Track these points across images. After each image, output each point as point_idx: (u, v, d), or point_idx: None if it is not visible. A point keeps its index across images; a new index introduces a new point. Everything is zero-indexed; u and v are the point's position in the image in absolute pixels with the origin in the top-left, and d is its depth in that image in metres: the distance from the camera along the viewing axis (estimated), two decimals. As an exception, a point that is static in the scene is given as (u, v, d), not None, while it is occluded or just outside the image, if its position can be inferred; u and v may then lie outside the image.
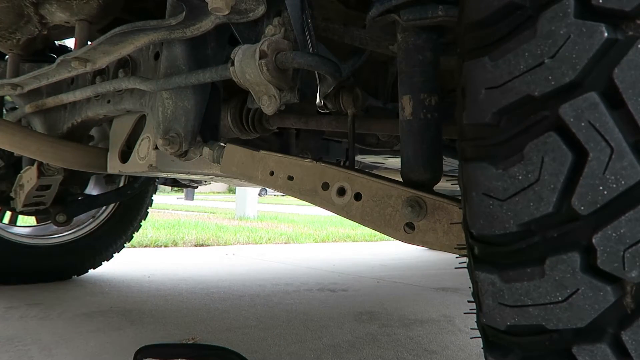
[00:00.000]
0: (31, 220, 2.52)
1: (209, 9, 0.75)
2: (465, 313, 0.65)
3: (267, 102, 0.75)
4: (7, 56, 1.42)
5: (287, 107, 0.85)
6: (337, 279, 3.12)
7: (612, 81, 0.38)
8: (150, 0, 1.27)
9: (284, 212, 10.66)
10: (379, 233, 0.78)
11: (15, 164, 1.84)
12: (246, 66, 0.73)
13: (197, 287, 2.61)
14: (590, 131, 0.39)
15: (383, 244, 5.56)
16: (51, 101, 1.36)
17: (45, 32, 1.27)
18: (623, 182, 0.38)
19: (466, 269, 0.55)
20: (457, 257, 0.66)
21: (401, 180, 0.76)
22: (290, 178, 0.87)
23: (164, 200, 15.98)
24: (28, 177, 1.63)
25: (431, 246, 0.71)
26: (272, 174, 0.90)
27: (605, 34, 0.38)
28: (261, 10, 0.78)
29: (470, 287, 0.52)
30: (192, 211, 10.09)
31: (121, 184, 2.36)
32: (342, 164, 1.16)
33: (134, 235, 2.69)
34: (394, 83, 1.14)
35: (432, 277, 3.26)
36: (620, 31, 0.38)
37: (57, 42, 1.70)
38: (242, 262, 3.79)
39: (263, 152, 0.91)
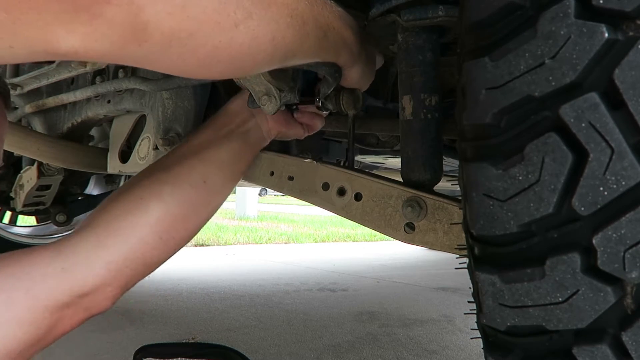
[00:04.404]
0: (31, 220, 2.52)
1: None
2: (465, 313, 0.65)
3: (267, 102, 0.75)
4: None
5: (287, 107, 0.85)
6: (337, 279, 3.11)
7: (612, 82, 0.38)
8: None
9: (284, 212, 10.66)
10: (379, 233, 0.78)
11: (15, 164, 1.84)
12: (246, 66, 0.73)
13: (197, 287, 2.61)
14: (590, 132, 0.39)
15: (383, 244, 5.56)
16: (51, 101, 1.36)
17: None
18: (623, 183, 0.38)
19: (466, 269, 0.55)
20: (457, 257, 0.66)
21: (401, 180, 0.76)
22: (291, 178, 0.87)
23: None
24: (28, 177, 1.63)
25: (431, 246, 0.71)
26: (272, 174, 0.90)
27: (606, 35, 0.38)
28: (261, 10, 0.77)
29: (470, 287, 0.52)
30: (192, 211, 10.06)
31: (121, 184, 2.36)
32: (342, 164, 1.16)
33: (134, 235, 2.68)
34: (394, 83, 1.14)
35: (432, 277, 3.26)
36: (620, 32, 0.38)
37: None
38: (242, 262, 3.79)
39: (263, 152, 0.91)
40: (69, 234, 0.68)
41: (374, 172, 0.94)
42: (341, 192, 0.80)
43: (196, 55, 0.44)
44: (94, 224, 0.67)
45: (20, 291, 0.57)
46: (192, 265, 3.34)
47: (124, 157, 1.29)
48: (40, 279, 0.58)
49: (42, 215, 2.33)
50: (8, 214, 2.44)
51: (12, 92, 1.38)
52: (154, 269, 0.71)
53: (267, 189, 2.42)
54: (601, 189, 0.39)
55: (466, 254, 0.54)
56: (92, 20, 0.35)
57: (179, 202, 0.71)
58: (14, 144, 1.32)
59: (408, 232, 0.73)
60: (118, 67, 1.20)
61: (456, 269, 0.69)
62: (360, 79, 0.76)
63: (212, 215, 0.80)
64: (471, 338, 1.41)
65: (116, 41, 0.38)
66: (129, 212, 0.68)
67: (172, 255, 0.73)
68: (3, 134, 0.72)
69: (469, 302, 0.54)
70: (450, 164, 1.22)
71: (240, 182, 0.89)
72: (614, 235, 0.39)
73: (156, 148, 1.12)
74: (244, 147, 0.84)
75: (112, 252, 0.64)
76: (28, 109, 1.45)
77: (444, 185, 1.04)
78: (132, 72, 1.14)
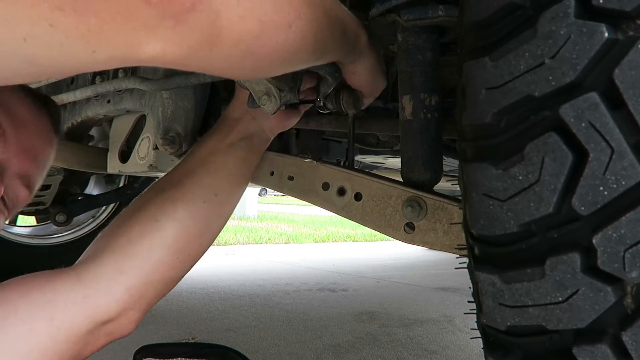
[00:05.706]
0: (31, 220, 2.52)
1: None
2: (465, 313, 0.65)
3: (267, 102, 0.75)
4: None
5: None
6: (337, 279, 3.11)
7: (612, 81, 0.38)
8: None
9: (284, 212, 10.66)
10: (379, 233, 0.78)
11: (15, 164, 1.84)
12: (246, 66, 0.73)
13: (197, 287, 2.61)
14: (590, 131, 0.39)
15: (383, 244, 5.56)
16: (51, 101, 1.36)
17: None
18: (623, 183, 0.38)
19: (466, 269, 0.55)
20: (457, 257, 0.66)
21: (401, 180, 0.76)
22: (290, 178, 0.87)
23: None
24: (28, 177, 1.63)
25: (431, 246, 0.71)
26: (272, 174, 0.90)
27: (606, 34, 0.38)
28: (261, 10, 0.77)
29: (470, 287, 0.52)
30: (192, 211, 10.06)
31: (121, 184, 2.36)
32: (342, 164, 1.16)
33: (134, 235, 2.68)
34: (394, 83, 1.14)
35: (432, 277, 3.26)
36: (620, 31, 0.38)
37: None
38: (242, 262, 3.79)
39: (263, 152, 0.91)
40: (85, 256, 0.67)
41: (374, 172, 0.94)
42: (341, 192, 0.80)
43: (255, 57, 0.45)
44: (110, 249, 0.66)
45: (43, 321, 0.56)
46: (192, 265, 3.34)
47: (124, 157, 1.29)
48: (63, 307, 0.58)
49: (42, 215, 2.33)
50: (8, 214, 2.44)
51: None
52: (174, 286, 0.71)
53: (267, 189, 2.42)
54: (601, 188, 0.39)
55: (466, 254, 0.54)
56: (176, 26, 0.36)
57: (194, 220, 0.72)
58: (14, 144, 1.32)
59: (408, 232, 0.73)
60: (118, 67, 1.20)
61: (456, 269, 0.69)
62: (370, 82, 0.76)
63: (224, 226, 0.80)
64: (471, 338, 1.41)
65: (192, 46, 0.39)
66: (144, 235, 0.67)
67: (189, 270, 0.73)
68: (48, 159, 0.71)
69: (469, 302, 0.54)
70: (450, 164, 1.22)
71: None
72: (614, 235, 0.39)
73: (156, 148, 1.12)
74: (250, 152, 0.84)
75: (131, 277, 0.64)
76: (28, 109, 1.44)
77: (444, 185, 1.04)
78: (132, 71, 1.14)
